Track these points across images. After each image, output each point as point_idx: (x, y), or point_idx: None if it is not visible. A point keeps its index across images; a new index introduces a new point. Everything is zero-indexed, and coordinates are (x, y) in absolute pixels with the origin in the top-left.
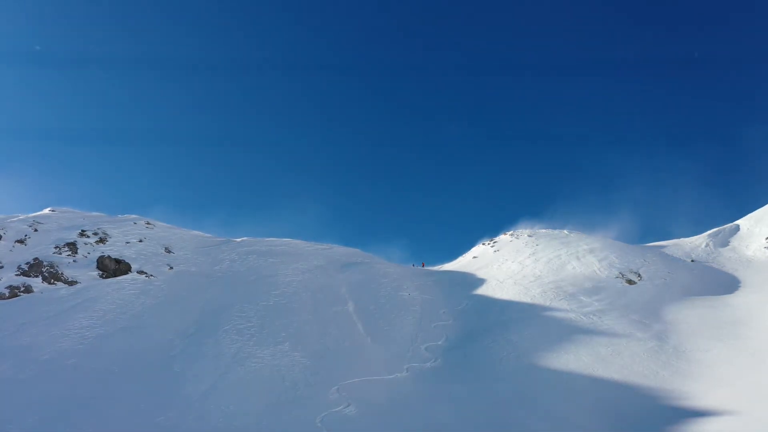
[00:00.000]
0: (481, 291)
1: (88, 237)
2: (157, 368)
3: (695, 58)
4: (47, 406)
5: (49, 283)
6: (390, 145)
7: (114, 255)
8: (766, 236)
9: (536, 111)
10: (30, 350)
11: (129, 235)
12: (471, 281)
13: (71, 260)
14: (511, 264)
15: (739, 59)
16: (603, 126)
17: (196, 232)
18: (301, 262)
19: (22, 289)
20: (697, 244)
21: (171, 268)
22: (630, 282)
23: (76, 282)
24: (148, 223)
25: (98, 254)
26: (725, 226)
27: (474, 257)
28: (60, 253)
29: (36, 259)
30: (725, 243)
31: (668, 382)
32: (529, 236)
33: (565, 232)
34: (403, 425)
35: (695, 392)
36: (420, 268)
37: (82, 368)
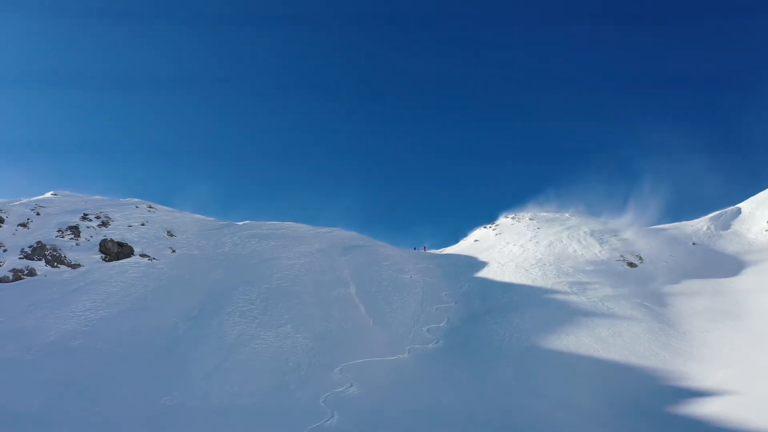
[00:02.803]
0: (483, 274)
1: (91, 220)
2: (162, 350)
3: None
4: (53, 386)
5: (53, 267)
6: (395, 135)
7: (116, 238)
8: (767, 219)
9: (542, 99)
10: (35, 332)
11: (131, 218)
12: (472, 264)
13: (74, 243)
14: (512, 247)
15: (742, 42)
16: (605, 106)
17: (197, 216)
18: (303, 246)
19: (26, 272)
20: (698, 227)
21: (173, 251)
22: (631, 264)
23: (79, 265)
24: (150, 207)
25: (101, 238)
26: (727, 209)
27: (475, 240)
28: (63, 237)
29: (39, 242)
30: (727, 226)
31: (669, 363)
32: (531, 219)
33: (567, 215)
34: (405, 405)
35: (696, 372)
36: (422, 251)
37: (87, 350)
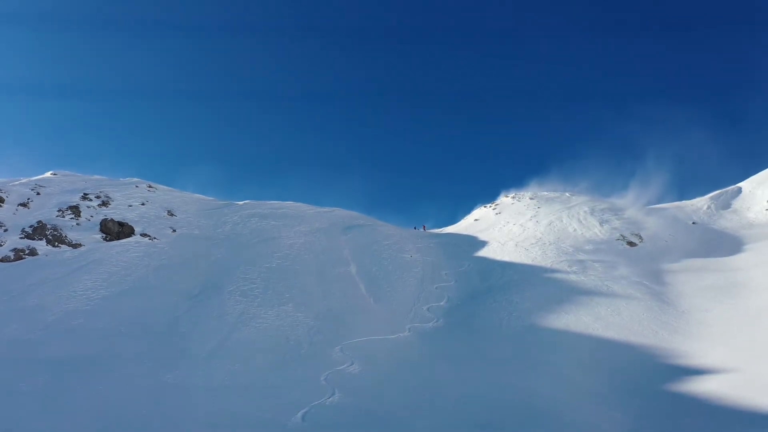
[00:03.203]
0: (483, 253)
1: (91, 200)
2: (163, 329)
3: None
4: (56, 365)
5: (54, 246)
6: (396, 115)
7: (117, 218)
8: (767, 199)
9: (545, 75)
10: (38, 311)
11: (131, 198)
12: (472, 243)
13: (74, 223)
14: (512, 226)
15: (743, 16)
16: (605, 85)
17: (198, 195)
18: (303, 225)
19: (27, 251)
20: (699, 206)
21: (174, 230)
22: (631, 244)
23: (80, 245)
24: (150, 186)
25: (101, 217)
26: (727, 188)
27: (476, 219)
28: (63, 216)
29: (40, 222)
30: (727, 205)
31: (667, 342)
32: (531, 198)
33: (567, 194)
34: (406, 383)
35: (694, 351)
36: (422, 231)
37: (90, 328)
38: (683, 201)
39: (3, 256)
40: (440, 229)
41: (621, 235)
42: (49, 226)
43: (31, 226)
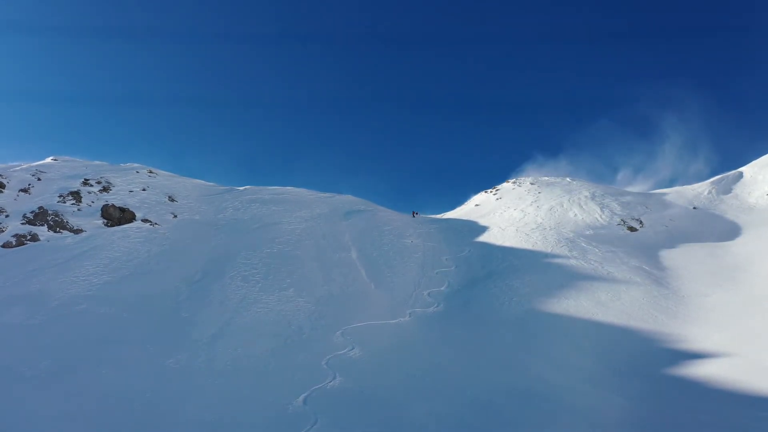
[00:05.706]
0: (483, 238)
1: (92, 186)
2: (165, 314)
3: None
4: (59, 350)
5: (55, 232)
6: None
7: (118, 203)
8: None
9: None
10: (40, 296)
11: (132, 183)
12: (473, 228)
13: (76, 209)
14: (513, 211)
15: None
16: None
17: (198, 181)
18: (304, 210)
19: (29, 237)
20: (699, 191)
21: (175, 216)
22: (631, 229)
23: (81, 230)
24: (150, 172)
25: (102, 203)
26: (728, 173)
27: (476, 205)
28: (64, 202)
29: (41, 207)
30: (728, 190)
31: (667, 326)
32: (531, 184)
33: (567, 179)
34: (406, 367)
35: (694, 335)
36: (418, 216)
37: (92, 314)
38: (684, 186)
39: (5, 241)
40: (441, 215)
41: (621, 220)
42: (50, 212)
43: (32, 212)
